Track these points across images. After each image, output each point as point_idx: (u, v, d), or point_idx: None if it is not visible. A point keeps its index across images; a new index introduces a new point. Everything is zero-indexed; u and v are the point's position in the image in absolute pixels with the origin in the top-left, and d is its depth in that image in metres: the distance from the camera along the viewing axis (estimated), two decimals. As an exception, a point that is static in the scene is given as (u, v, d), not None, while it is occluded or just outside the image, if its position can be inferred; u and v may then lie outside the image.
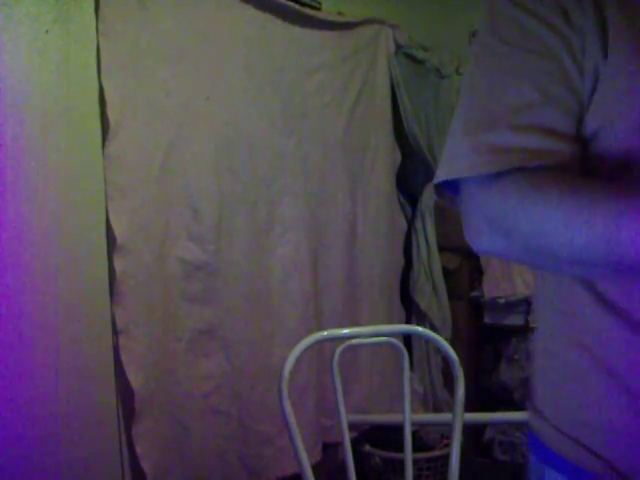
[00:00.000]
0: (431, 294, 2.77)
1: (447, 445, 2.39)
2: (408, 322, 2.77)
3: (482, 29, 0.76)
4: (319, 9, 2.42)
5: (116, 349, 1.71)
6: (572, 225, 0.63)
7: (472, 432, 2.72)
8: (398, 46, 2.73)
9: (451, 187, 0.74)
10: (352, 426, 2.04)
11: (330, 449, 2.35)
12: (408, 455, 1.60)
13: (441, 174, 0.72)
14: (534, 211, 0.65)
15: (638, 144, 0.66)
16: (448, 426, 1.68)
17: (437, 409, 2.73)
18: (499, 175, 0.67)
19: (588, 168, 0.70)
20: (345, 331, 1.70)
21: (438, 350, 2.52)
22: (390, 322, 2.58)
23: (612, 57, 0.66)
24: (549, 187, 0.65)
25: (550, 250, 0.66)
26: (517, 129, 0.68)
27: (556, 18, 0.68)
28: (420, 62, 2.92)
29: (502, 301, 2.79)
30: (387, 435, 2.44)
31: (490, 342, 2.92)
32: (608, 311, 0.68)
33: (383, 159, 2.66)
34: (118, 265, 1.70)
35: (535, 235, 0.66)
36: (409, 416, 1.63)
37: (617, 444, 0.68)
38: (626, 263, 0.61)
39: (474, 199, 0.70)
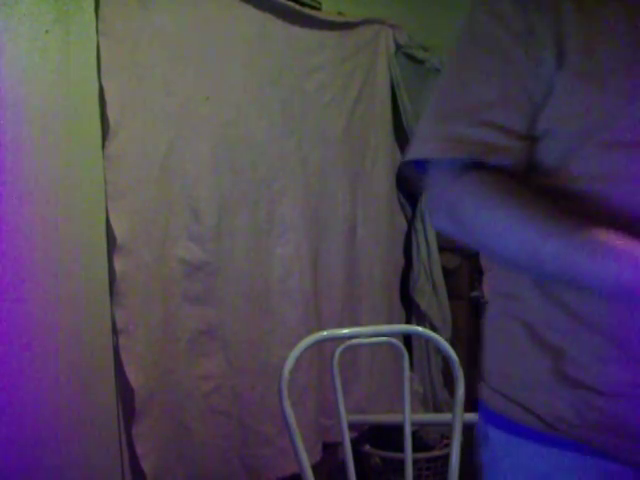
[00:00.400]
0: (431, 294, 2.76)
1: (447, 445, 2.39)
2: (408, 322, 2.76)
3: (462, 30, 0.84)
4: (319, 9, 2.42)
5: (116, 349, 1.71)
6: (509, 234, 0.75)
7: (472, 432, 2.72)
8: (398, 46, 2.73)
9: (419, 165, 0.85)
10: (352, 426, 2.04)
11: (330, 449, 2.35)
12: (408, 455, 1.60)
13: (410, 153, 0.84)
14: (483, 213, 0.77)
15: (579, 146, 0.76)
16: (448, 426, 1.68)
17: (437, 409, 2.73)
18: (462, 167, 0.79)
19: (535, 164, 0.80)
20: (345, 331, 1.70)
21: (438, 350, 2.52)
22: (390, 322, 2.58)
23: (565, 68, 0.76)
24: (500, 195, 0.77)
25: (489, 248, 0.81)
26: (477, 124, 0.78)
27: (523, 30, 0.77)
28: (420, 62, 2.92)
29: (502, 301, 2.79)
30: (387, 435, 2.44)
31: (490, 342, 2.92)
32: (547, 298, 0.80)
33: (383, 159, 2.66)
34: (118, 265, 1.70)
35: (480, 233, 0.79)
36: (409, 416, 1.63)
37: (543, 399, 0.80)
38: (546, 274, 0.76)
39: (438, 181, 0.82)
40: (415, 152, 0.83)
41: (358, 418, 2.39)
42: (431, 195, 0.84)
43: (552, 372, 0.80)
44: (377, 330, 1.75)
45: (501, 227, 0.76)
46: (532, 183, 0.79)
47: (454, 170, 0.79)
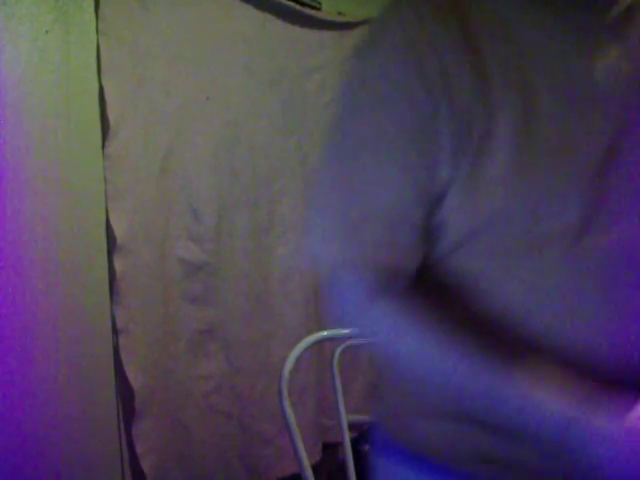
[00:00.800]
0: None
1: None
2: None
3: (359, 98, 0.73)
4: (319, 9, 2.42)
5: (116, 349, 1.71)
6: (427, 352, 0.70)
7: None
8: (398, 46, 2.73)
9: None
10: (352, 426, 2.04)
11: (330, 449, 2.35)
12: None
13: (312, 248, 0.76)
14: (404, 342, 0.72)
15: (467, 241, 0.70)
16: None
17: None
18: (373, 284, 0.72)
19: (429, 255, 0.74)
20: (345, 331, 1.69)
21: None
22: (390, 322, 2.58)
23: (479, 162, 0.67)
24: (422, 331, 0.71)
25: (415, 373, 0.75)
26: (386, 228, 0.71)
27: (432, 119, 0.67)
28: (420, 62, 2.91)
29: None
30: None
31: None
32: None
33: (383, 159, 2.66)
34: (118, 265, 1.70)
35: (408, 365, 0.74)
36: (409, 416, 1.63)
37: (438, 429, 0.75)
38: (452, 389, 0.71)
39: (346, 296, 0.75)
40: (320, 252, 0.76)
41: (358, 418, 2.39)
42: (341, 308, 0.77)
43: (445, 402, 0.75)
44: (377, 330, 1.75)
45: (416, 346, 0.71)
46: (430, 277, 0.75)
47: (363, 287, 0.73)
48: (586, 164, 0.67)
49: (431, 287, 0.74)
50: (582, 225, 0.68)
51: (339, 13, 2.51)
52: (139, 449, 1.73)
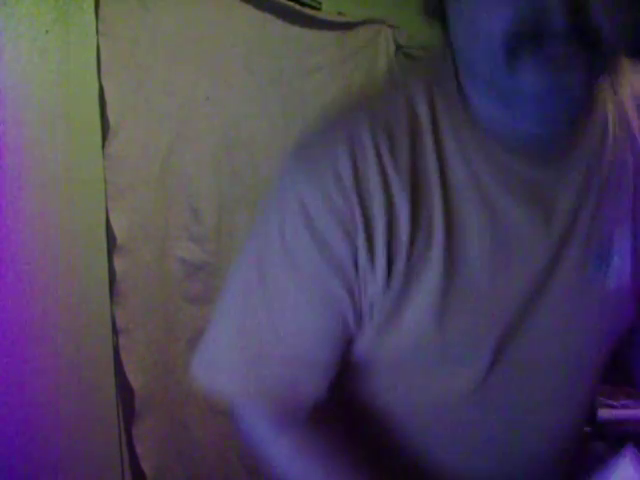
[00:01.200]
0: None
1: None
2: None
3: (272, 233, 0.72)
4: (319, 9, 2.42)
5: (116, 349, 1.71)
6: None
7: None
8: (398, 46, 2.73)
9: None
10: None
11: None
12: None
13: (205, 370, 0.81)
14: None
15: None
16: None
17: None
18: (275, 419, 0.75)
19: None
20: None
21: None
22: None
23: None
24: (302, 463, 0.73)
25: None
26: (290, 367, 0.71)
27: (346, 261, 0.66)
28: (420, 62, 2.91)
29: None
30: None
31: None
32: None
33: (383, 159, 2.66)
34: (118, 265, 1.70)
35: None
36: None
37: None
38: None
39: (252, 424, 0.80)
40: (222, 378, 0.78)
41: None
42: (248, 438, 0.81)
43: None
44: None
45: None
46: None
47: (265, 421, 0.77)
48: (502, 315, 0.69)
49: (336, 412, 0.75)
50: (486, 375, 0.71)
51: (339, 13, 2.51)
52: (139, 449, 1.73)
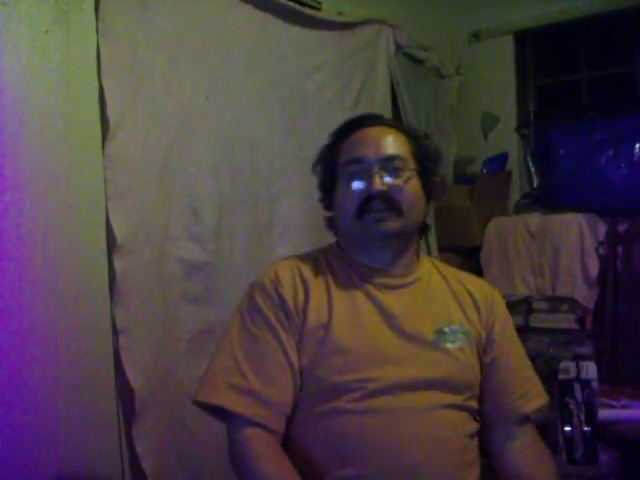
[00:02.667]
0: (431, 294, 2.76)
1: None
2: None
3: (244, 310, 1.26)
4: (319, 9, 2.42)
5: (116, 349, 1.71)
6: None
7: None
8: (398, 46, 2.73)
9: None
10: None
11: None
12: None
13: (204, 393, 1.22)
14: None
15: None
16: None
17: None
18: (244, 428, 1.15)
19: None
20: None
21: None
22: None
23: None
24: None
25: None
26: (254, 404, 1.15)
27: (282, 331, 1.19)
28: (420, 62, 2.92)
29: (502, 301, 2.80)
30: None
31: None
32: None
33: (383, 159, 2.66)
34: (118, 265, 1.70)
35: None
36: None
37: None
38: None
39: (232, 434, 1.17)
40: (209, 394, 1.21)
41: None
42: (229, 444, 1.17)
43: None
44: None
45: None
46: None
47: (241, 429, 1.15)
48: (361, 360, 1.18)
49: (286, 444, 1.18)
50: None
51: (339, 13, 2.51)
52: (139, 449, 1.73)
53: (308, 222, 2.29)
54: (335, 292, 1.22)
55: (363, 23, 2.58)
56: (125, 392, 1.72)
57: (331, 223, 1.31)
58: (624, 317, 2.67)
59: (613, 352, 2.66)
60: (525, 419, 1.29)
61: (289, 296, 1.20)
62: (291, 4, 2.25)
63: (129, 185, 1.74)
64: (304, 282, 1.22)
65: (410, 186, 1.23)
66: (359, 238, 1.25)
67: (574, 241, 2.77)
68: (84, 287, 1.64)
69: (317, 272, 1.25)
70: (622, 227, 2.73)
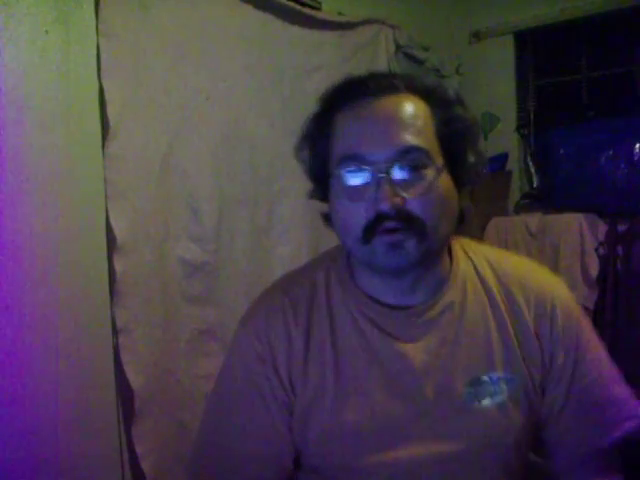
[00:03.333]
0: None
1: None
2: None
3: (229, 375, 1.04)
4: (319, 9, 2.42)
5: (116, 349, 1.71)
6: None
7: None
8: (398, 46, 2.73)
9: None
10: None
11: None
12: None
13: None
14: None
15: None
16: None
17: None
18: None
19: None
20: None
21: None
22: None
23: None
24: None
25: None
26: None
27: (273, 405, 0.98)
28: (420, 62, 2.92)
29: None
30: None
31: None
32: None
33: (383, 159, 2.66)
34: (118, 265, 1.70)
35: None
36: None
37: None
38: None
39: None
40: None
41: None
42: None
43: None
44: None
45: None
46: None
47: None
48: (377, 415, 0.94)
49: None
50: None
51: (339, 13, 2.51)
52: (139, 449, 1.73)
53: (308, 222, 2.29)
54: (338, 349, 0.97)
55: (363, 23, 2.58)
56: (125, 392, 1.72)
57: (329, 220, 1.03)
58: (624, 317, 2.67)
59: (613, 352, 2.66)
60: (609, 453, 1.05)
61: (282, 367, 0.97)
62: (291, 4, 2.25)
63: (129, 185, 1.74)
64: (300, 336, 0.98)
65: (435, 190, 0.88)
66: (367, 266, 0.95)
67: (574, 241, 2.78)
68: (84, 287, 1.64)
69: (315, 319, 0.99)
70: (622, 227, 2.73)
